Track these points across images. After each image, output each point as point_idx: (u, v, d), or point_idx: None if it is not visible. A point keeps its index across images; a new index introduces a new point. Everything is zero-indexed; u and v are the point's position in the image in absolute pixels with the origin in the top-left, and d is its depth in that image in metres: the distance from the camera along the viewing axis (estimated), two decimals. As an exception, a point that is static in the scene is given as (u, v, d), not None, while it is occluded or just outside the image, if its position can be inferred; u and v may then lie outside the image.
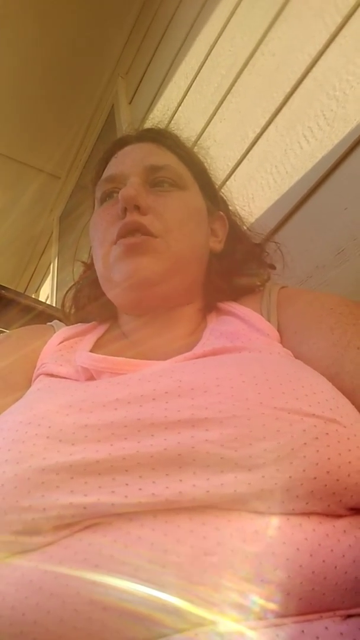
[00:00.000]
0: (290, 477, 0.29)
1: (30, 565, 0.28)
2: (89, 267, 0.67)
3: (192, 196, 0.58)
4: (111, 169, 0.60)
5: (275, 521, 0.28)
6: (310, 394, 0.33)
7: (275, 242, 0.69)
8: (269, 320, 0.51)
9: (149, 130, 0.66)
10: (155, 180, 0.56)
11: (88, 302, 0.63)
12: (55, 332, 0.59)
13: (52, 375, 0.48)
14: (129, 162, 0.58)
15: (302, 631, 0.26)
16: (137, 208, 0.52)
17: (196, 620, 0.25)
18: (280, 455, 0.29)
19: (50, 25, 1.80)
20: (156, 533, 0.27)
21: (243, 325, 0.50)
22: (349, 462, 0.30)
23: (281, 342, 0.48)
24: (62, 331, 0.58)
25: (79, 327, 0.60)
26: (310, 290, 0.73)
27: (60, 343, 0.55)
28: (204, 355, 0.43)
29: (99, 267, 0.56)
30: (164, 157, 0.59)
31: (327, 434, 0.31)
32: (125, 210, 0.52)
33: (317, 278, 0.77)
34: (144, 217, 0.52)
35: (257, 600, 0.26)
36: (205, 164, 0.67)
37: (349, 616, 0.27)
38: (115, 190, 0.57)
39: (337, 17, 0.82)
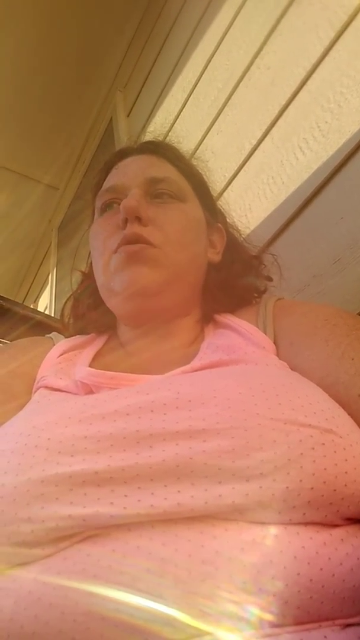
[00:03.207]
0: (287, 487, 0.29)
1: (29, 576, 0.28)
2: (88, 276, 0.68)
3: (191, 208, 0.59)
4: (112, 179, 0.60)
5: (272, 530, 0.28)
6: (306, 405, 0.34)
7: (272, 254, 0.70)
8: (265, 333, 0.51)
9: (150, 142, 0.67)
10: (155, 192, 0.57)
11: (87, 312, 0.64)
12: (54, 344, 0.59)
13: (51, 389, 0.48)
14: (130, 173, 0.58)
15: (301, 640, 0.26)
16: (138, 219, 0.53)
17: (194, 632, 0.25)
18: (277, 465, 0.30)
19: (49, 39, 1.83)
20: (154, 543, 0.28)
21: (239, 339, 0.50)
22: (346, 472, 0.30)
23: (277, 354, 0.48)
24: (61, 344, 0.58)
25: (78, 339, 0.60)
26: (306, 301, 0.73)
27: (60, 356, 0.55)
28: (202, 369, 0.44)
29: (99, 276, 0.57)
30: (165, 170, 0.59)
31: (323, 444, 0.31)
32: (126, 220, 0.53)
33: (314, 287, 0.77)
34: (144, 229, 0.53)
35: (255, 610, 0.26)
36: (204, 177, 0.68)
37: (348, 625, 0.27)
38: (116, 200, 0.58)
39: (330, 32, 0.84)
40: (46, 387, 0.49)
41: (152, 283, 0.51)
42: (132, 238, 0.52)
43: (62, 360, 0.54)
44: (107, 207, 0.59)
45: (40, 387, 0.49)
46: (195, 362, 0.46)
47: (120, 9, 1.76)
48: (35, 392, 0.50)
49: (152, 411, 0.33)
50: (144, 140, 0.68)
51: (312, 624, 0.26)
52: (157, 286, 0.51)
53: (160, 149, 0.63)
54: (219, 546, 0.27)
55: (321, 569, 0.27)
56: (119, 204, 0.55)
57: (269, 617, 0.26)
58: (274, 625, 0.26)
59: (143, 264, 0.51)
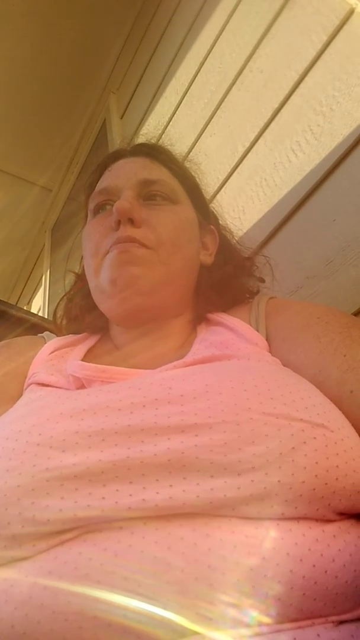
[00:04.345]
0: (279, 481, 0.29)
1: (20, 576, 0.28)
2: (81, 278, 0.68)
3: (184, 210, 0.59)
4: (105, 181, 0.60)
5: (265, 527, 0.28)
6: (297, 400, 0.34)
7: (264, 256, 0.70)
8: (257, 330, 0.52)
9: (143, 145, 0.67)
10: (148, 193, 0.57)
11: (80, 313, 0.64)
12: (46, 343, 0.59)
13: (43, 385, 0.48)
14: (123, 175, 0.59)
15: (294, 639, 0.26)
16: (131, 221, 0.53)
17: (186, 631, 0.25)
18: (269, 459, 0.30)
19: (43, 42, 1.83)
20: (147, 541, 0.27)
21: (232, 335, 0.51)
22: (337, 466, 0.30)
23: (270, 351, 0.49)
24: (53, 342, 0.58)
25: (70, 337, 0.60)
26: (298, 300, 0.74)
27: (51, 353, 0.55)
28: (194, 364, 0.44)
29: (91, 278, 0.56)
30: (158, 172, 0.59)
31: (314, 438, 0.31)
32: (119, 222, 0.53)
33: (307, 288, 0.78)
34: (137, 230, 0.53)
35: (248, 608, 0.26)
36: (197, 179, 0.68)
37: (341, 622, 0.27)
38: (109, 202, 0.58)
39: (322, 36, 0.85)
40: (37, 384, 0.48)
41: (145, 283, 0.51)
42: (125, 240, 0.52)
43: (53, 357, 0.54)
44: (100, 208, 0.59)
45: (31, 383, 0.49)
46: (188, 357, 0.46)
47: (113, 11, 1.77)
48: (26, 388, 0.50)
49: (144, 406, 0.33)
50: (137, 143, 0.68)
51: (305, 622, 0.26)
52: (150, 286, 0.51)
53: (154, 151, 0.63)
54: (212, 544, 0.27)
55: (314, 566, 0.27)
56: (112, 206, 0.55)
57: (262, 615, 0.26)
58: (267, 623, 0.26)
59: (135, 265, 0.51)
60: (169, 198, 0.58)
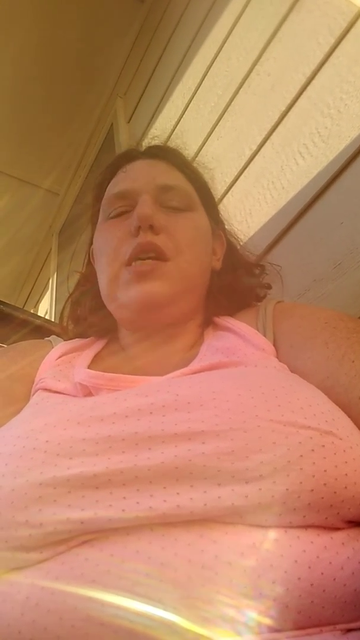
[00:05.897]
0: (287, 489, 0.29)
1: (27, 581, 0.28)
2: (87, 278, 0.67)
3: (200, 217, 0.59)
4: (121, 184, 0.59)
5: (272, 534, 0.28)
6: (305, 407, 0.34)
7: (271, 264, 0.70)
8: (264, 335, 0.51)
9: (158, 147, 0.66)
10: (166, 199, 0.56)
11: (88, 315, 0.63)
12: (52, 347, 0.59)
13: (50, 391, 0.48)
14: (141, 179, 0.58)
15: (301, 646, 0.25)
16: (151, 227, 0.52)
17: (193, 637, 0.25)
18: (277, 467, 0.29)
19: (50, 45, 1.85)
20: (153, 547, 0.27)
21: (239, 341, 0.50)
22: (346, 475, 0.30)
23: (277, 356, 0.48)
24: (60, 346, 0.58)
25: (77, 342, 0.60)
26: (305, 304, 0.73)
27: (59, 358, 0.55)
28: (201, 371, 0.44)
29: (104, 284, 0.56)
30: (175, 177, 0.59)
31: (323, 446, 0.31)
32: (138, 228, 0.52)
33: (314, 291, 0.78)
34: (157, 237, 0.52)
35: (255, 614, 0.26)
36: (209, 184, 0.68)
37: (349, 630, 0.27)
38: (126, 206, 0.57)
39: (330, 38, 0.84)
40: (44, 389, 0.48)
41: (163, 297, 0.51)
42: (146, 247, 0.51)
43: (60, 362, 0.54)
44: (117, 214, 0.58)
45: (39, 389, 0.49)
46: (195, 364, 0.46)
47: (121, 15, 1.78)
48: (33, 394, 0.50)
49: (151, 413, 0.33)
50: (152, 145, 0.67)
51: (313, 629, 0.26)
52: (167, 299, 0.51)
53: (170, 155, 0.63)
54: (219, 550, 0.27)
55: (322, 573, 0.27)
56: (128, 210, 0.55)
57: (268, 621, 0.26)
58: (274, 630, 0.26)
59: (154, 280, 0.51)
60: (186, 204, 0.57)
